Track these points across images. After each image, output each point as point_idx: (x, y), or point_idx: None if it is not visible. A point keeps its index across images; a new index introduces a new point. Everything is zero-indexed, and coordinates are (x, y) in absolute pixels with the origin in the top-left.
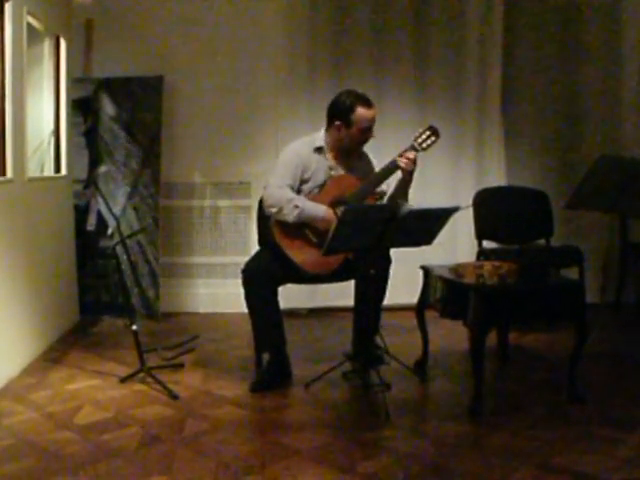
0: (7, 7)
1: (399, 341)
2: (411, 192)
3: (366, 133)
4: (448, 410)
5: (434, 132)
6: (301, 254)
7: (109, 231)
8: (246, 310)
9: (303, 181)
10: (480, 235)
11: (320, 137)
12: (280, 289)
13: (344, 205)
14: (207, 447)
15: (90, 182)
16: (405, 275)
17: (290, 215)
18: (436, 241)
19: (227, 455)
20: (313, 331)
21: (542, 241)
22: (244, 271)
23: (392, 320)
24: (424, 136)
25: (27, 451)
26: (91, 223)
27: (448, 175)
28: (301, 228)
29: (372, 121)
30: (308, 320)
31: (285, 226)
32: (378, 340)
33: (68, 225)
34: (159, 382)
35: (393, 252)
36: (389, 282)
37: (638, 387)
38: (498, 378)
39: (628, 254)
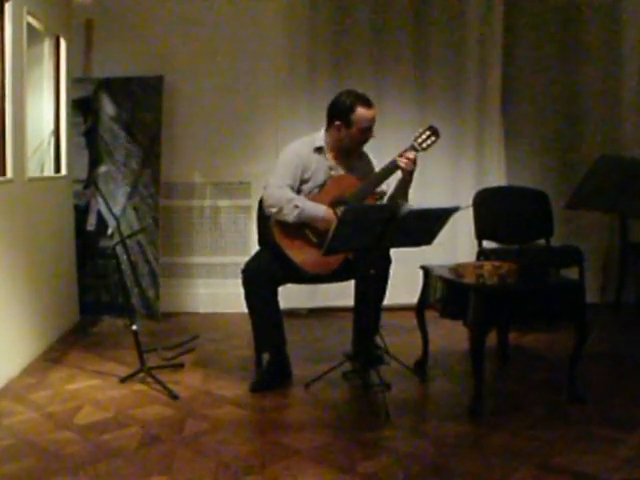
0: (7, 7)
1: (399, 341)
2: (411, 192)
3: (366, 133)
4: (448, 410)
5: (434, 132)
6: (301, 254)
7: (109, 231)
8: (246, 310)
9: (303, 181)
10: (480, 235)
11: (320, 137)
12: (280, 289)
13: (344, 205)
14: (207, 447)
15: (90, 182)
16: (405, 275)
17: (290, 215)
18: (436, 241)
19: (227, 455)
20: (313, 331)
21: (542, 241)
22: (244, 271)
23: (392, 320)
24: (424, 136)
25: (27, 451)
26: (91, 223)
27: (448, 175)
28: (301, 228)
29: (372, 121)
30: (308, 320)
31: (285, 226)
32: (378, 340)
33: (68, 225)
34: (159, 382)
35: (393, 252)
36: (389, 282)
37: (638, 387)
38: (498, 378)
39: (628, 254)
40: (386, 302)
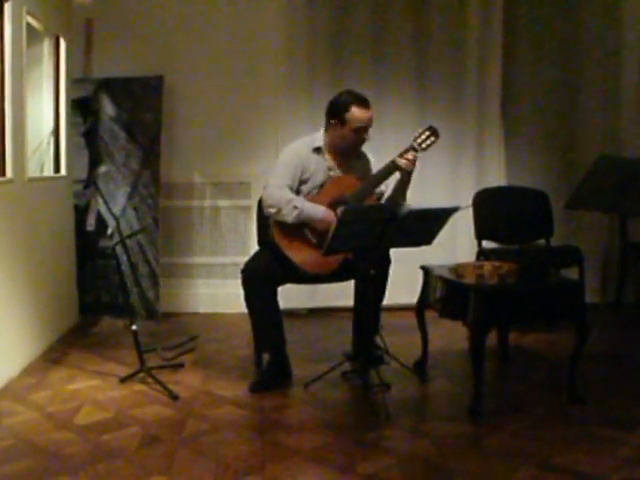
0: (7, 7)
1: (399, 341)
2: (410, 192)
3: (360, 134)
4: (448, 410)
5: (434, 132)
6: (300, 254)
7: (109, 231)
8: (246, 310)
9: (302, 181)
10: (480, 235)
11: (319, 137)
12: (280, 289)
13: (344, 205)
14: (207, 447)
15: (90, 182)
16: (405, 275)
17: (289, 216)
18: (436, 241)
19: (227, 455)
20: (313, 331)
21: (542, 241)
22: (244, 271)
23: (392, 320)
24: (424, 136)
25: (27, 451)
26: (91, 223)
27: (448, 175)
28: (300, 228)
29: (367, 122)
30: (308, 320)
31: (284, 226)
32: (378, 340)
33: (68, 225)
34: (159, 382)
35: (393, 252)
36: (389, 282)
37: (638, 387)
38: (498, 378)
39: (628, 254)
40: (386, 302)
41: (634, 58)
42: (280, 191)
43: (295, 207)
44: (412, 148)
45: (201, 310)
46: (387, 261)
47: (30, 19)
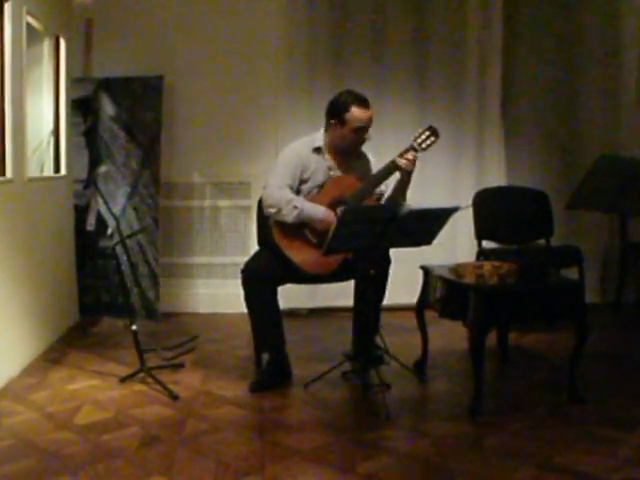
0: (7, 7)
1: (399, 341)
2: (411, 192)
3: (360, 134)
4: (448, 410)
5: (434, 132)
6: (300, 254)
7: (109, 231)
8: (246, 310)
9: (302, 181)
10: (480, 235)
11: (319, 137)
12: (280, 289)
13: (344, 205)
14: (207, 447)
15: (90, 182)
16: (405, 275)
17: (289, 216)
18: (436, 241)
19: (227, 455)
20: (313, 331)
21: (542, 241)
22: (244, 271)
23: (392, 320)
24: (424, 136)
25: (27, 451)
26: (91, 223)
27: (448, 175)
28: (300, 228)
29: (366, 122)
30: (308, 320)
31: (284, 226)
32: (378, 340)
33: (68, 225)
34: (159, 382)
35: (393, 252)
36: (389, 282)
37: (638, 387)
38: (498, 378)
39: (628, 254)
40: (386, 302)
41: (634, 58)
42: (280, 191)
43: (295, 207)
44: (412, 148)
45: (201, 310)
46: (387, 261)
47: (30, 19)
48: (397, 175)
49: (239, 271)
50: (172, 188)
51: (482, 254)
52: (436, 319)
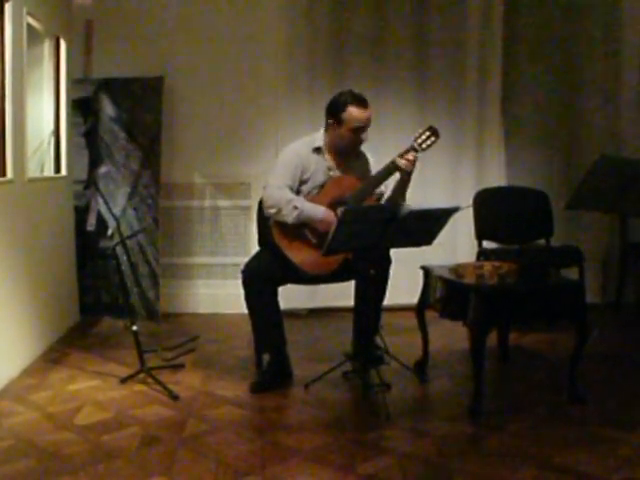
0: (7, 8)
1: (399, 341)
2: (411, 192)
3: (357, 133)
4: (448, 410)
5: (434, 132)
6: (300, 254)
7: (109, 232)
8: (246, 311)
9: (302, 182)
10: (480, 235)
11: (319, 137)
12: (280, 289)
13: (344, 206)
14: (207, 447)
15: (90, 183)
16: (405, 275)
17: (289, 216)
18: (436, 241)
19: (227, 455)
20: (313, 331)
21: (542, 241)
22: (244, 271)
23: (392, 320)
24: (424, 136)
25: (27, 451)
26: (91, 223)
27: (448, 175)
28: (300, 229)
29: (364, 122)
30: (308, 320)
31: (284, 227)
32: (378, 340)
33: (68, 225)
34: (159, 383)
35: (393, 252)
36: (389, 282)
37: (638, 387)
38: (498, 378)
39: (628, 254)
40: (386, 302)
41: (634, 58)
42: (280, 191)
43: (295, 207)
44: (412, 148)
45: (201, 310)
46: (387, 261)
47: (30, 20)
48: (397, 176)
49: (239, 271)
50: (172, 188)
51: (482, 254)
52: (436, 319)
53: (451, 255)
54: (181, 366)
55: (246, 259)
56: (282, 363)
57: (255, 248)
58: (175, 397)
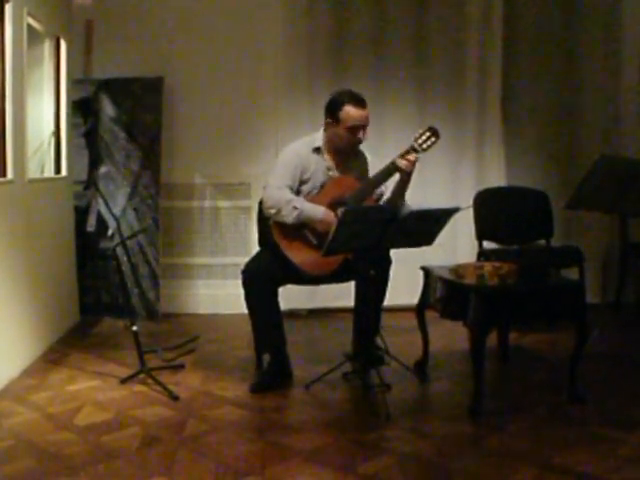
0: (7, 8)
1: (399, 342)
2: (411, 192)
3: (355, 132)
4: (448, 410)
5: (434, 133)
6: (300, 255)
7: (109, 232)
8: (246, 311)
9: (302, 182)
10: (480, 236)
11: (319, 137)
12: (280, 290)
13: (344, 206)
14: (207, 448)
15: (90, 183)
16: (405, 276)
17: (289, 216)
18: (436, 242)
19: (227, 456)
20: (313, 332)
21: (542, 241)
22: (244, 272)
23: (392, 321)
24: (424, 137)
25: (27, 452)
26: (91, 224)
27: (448, 175)
28: (300, 229)
29: (361, 120)
30: (308, 321)
31: (284, 227)
32: (378, 341)
33: (68, 226)
34: (159, 383)
35: (393, 253)
36: (389, 283)
37: (638, 387)
38: (498, 378)
39: (628, 254)
40: (386, 303)
41: (634, 58)
42: (280, 192)
43: (295, 208)
44: (412, 149)
45: (201, 311)
46: (387, 262)
47: (31, 20)
48: (396, 176)
49: (239, 272)
50: (172, 189)
51: (482, 255)
52: (437, 319)
53: (451, 255)
54: (181, 366)
55: (246, 259)
56: (282, 363)
57: (255, 248)
58: (175, 397)
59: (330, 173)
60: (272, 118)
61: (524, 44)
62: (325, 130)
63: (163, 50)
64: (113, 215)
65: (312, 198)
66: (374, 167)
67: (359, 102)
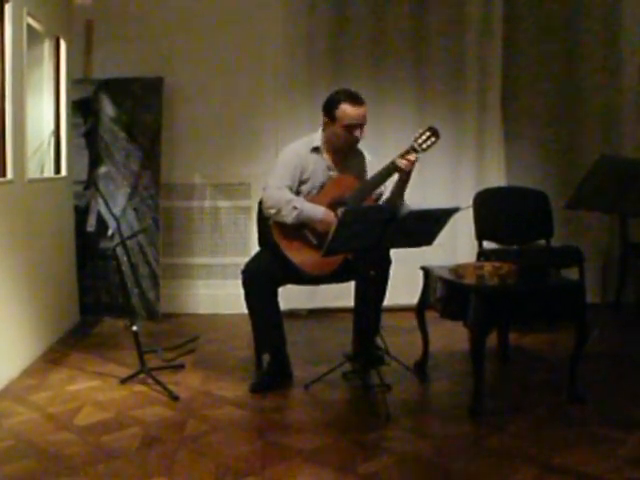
0: (7, 8)
1: (399, 342)
2: (410, 192)
3: (352, 131)
4: (448, 410)
5: (434, 133)
6: (300, 255)
7: (109, 232)
8: (246, 311)
9: (302, 182)
10: (480, 236)
11: (318, 137)
12: (280, 290)
13: (344, 206)
14: (207, 448)
15: (90, 183)
16: (405, 276)
17: (289, 216)
18: (436, 242)
19: (227, 456)
20: (313, 332)
21: (542, 241)
22: (244, 272)
23: (392, 321)
24: (424, 137)
25: (27, 452)
26: (91, 224)
27: (448, 175)
28: (300, 229)
29: (358, 119)
30: (308, 321)
31: (284, 227)
32: (378, 341)
33: (68, 226)
34: (159, 383)
35: (393, 253)
36: (389, 283)
37: (638, 387)
38: (498, 379)
39: (628, 254)
40: (386, 303)
41: (634, 58)
42: (279, 192)
43: (295, 208)
44: (412, 149)
45: (201, 311)
46: (387, 262)
47: (30, 20)
48: (395, 176)
49: (239, 272)
50: (172, 189)
51: (482, 255)
52: (437, 320)
53: (451, 255)
54: (181, 366)
55: (246, 259)
56: (282, 363)
57: (255, 248)
58: (175, 397)
59: (330, 173)
60: (272, 118)
61: (524, 44)
62: (323, 129)
63: (163, 50)
64: (113, 215)
65: (312, 198)
66: (372, 166)
67: (355, 100)
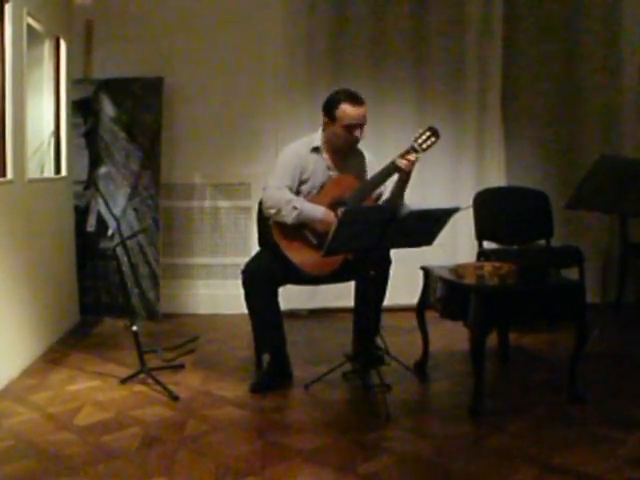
0: (7, 8)
1: (399, 342)
2: (410, 192)
3: (352, 131)
4: (448, 410)
5: (434, 133)
6: (300, 255)
7: (109, 232)
8: (246, 311)
9: (302, 182)
10: (480, 236)
11: (318, 137)
12: (280, 290)
13: (344, 206)
14: (207, 448)
15: (90, 183)
16: (405, 276)
17: (289, 216)
18: (436, 242)
19: (227, 456)
20: (313, 332)
21: (542, 241)
22: (244, 272)
23: (392, 321)
24: (424, 137)
25: (27, 452)
26: (91, 224)
27: (448, 175)
28: (300, 229)
29: (357, 119)
30: (308, 321)
31: (284, 227)
32: (378, 341)
33: (68, 226)
34: (159, 383)
35: (393, 253)
36: (389, 283)
37: (638, 387)
38: (498, 378)
39: (628, 254)
40: (386, 303)
41: (634, 58)
42: (279, 192)
43: (294, 208)
44: (412, 149)
45: (201, 311)
46: (387, 262)
47: (30, 20)
48: (395, 176)
49: (239, 272)
50: (172, 189)
51: (482, 255)
52: (437, 320)
53: (451, 255)
54: (181, 366)
55: (246, 259)
56: (282, 363)
57: (255, 248)
58: (175, 397)
59: (330, 173)
60: (272, 118)
61: (524, 44)
62: (323, 129)
63: (163, 50)
64: (113, 215)
65: (312, 198)
66: (372, 166)
67: (355, 100)
